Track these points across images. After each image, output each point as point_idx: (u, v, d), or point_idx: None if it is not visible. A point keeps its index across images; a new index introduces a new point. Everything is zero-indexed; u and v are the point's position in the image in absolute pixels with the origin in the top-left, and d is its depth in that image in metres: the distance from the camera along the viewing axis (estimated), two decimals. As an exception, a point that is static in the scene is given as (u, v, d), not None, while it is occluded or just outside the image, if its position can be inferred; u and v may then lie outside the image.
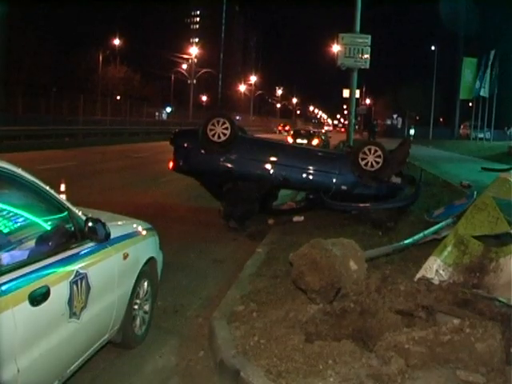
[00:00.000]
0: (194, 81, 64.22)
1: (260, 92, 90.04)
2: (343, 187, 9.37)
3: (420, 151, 29.71)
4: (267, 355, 3.98)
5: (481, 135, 47.15)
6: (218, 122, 9.05)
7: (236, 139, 9.16)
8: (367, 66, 16.67)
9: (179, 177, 10.66)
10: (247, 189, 9.21)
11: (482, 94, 42.88)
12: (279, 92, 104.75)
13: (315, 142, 28.76)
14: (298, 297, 5.04)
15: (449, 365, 3.78)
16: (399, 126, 68.86)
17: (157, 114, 58.27)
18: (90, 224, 3.54)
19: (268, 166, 9.29)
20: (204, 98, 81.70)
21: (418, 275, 4.94)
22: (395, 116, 74.16)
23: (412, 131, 54.77)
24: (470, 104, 49.45)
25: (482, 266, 5.05)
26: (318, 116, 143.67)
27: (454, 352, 3.82)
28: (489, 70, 42.03)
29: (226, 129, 9.04)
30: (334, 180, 9.31)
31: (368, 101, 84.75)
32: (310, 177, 9.39)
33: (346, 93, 43.86)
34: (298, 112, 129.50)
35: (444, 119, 78.06)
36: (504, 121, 47.03)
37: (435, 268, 5.03)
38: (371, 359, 3.84)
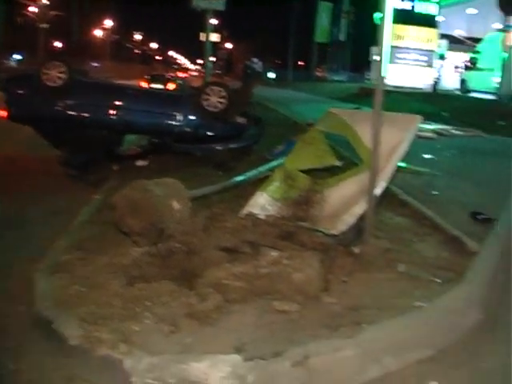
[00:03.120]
0: (46, 25, 59.46)
1: (117, 37, 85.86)
2: (187, 129, 9.15)
3: (277, 93, 30.30)
4: (85, 303, 3.77)
5: (337, 78, 48.97)
6: (54, 65, 8.39)
7: (74, 83, 8.57)
8: (222, 8, 16.24)
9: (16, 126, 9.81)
10: (88, 135, 8.75)
11: (340, 38, 44.29)
12: (138, 37, 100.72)
13: (171, 86, 28.05)
14: (123, 241, 4.85)
15: (267, 297, 3.82)
16: (260, 70, 69.08)
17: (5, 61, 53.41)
18: None
19: (109, 111, 8.79)
20: (59, 45, 76.16)
21: (244, 211, 4.96)
22: (256, 60, 74.35)
23: (272, 75, 55.44)
24: (330, 48, 50.84)
25: (308, 199, 5.17)
26: (180, 62, 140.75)
27: (272, 284, 3.85)
28: (345, 16, 43.36)
29: (62, 73, 8.40)
30: (178, 122, 9.04)
31: (229, 45, 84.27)
32: (153, 120, 9.03)
33: (202, 36, 43.33)
34: (159, 58, 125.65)
35: (306, 63, 79.85)
36: (359, 64, 49.03)
37: (262, 203, 5.08)
38: (190, 297, 3.78)
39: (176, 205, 4.69)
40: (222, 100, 8.94)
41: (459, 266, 4.12)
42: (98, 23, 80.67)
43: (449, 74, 30.02)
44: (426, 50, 27.36)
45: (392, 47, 26.66)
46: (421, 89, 25.21)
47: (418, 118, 5.52)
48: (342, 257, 4.26)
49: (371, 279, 3.93)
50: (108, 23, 79.84)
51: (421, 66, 27.38)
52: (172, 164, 8.90)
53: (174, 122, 8.94)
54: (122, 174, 8.70)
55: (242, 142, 9.32)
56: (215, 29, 19.15)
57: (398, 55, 27.27)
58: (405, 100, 20.17)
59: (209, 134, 9.09)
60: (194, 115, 8.96)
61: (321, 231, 4.44)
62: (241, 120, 9.49)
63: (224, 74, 64.07)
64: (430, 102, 19.05)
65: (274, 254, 4.11)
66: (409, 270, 4.07)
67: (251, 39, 74.72)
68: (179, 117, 9.00)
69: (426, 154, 9.07)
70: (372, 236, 4.64)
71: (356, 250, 4.38)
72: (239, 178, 6.15)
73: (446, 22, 30.78)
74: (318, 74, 60.03)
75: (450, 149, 9.73)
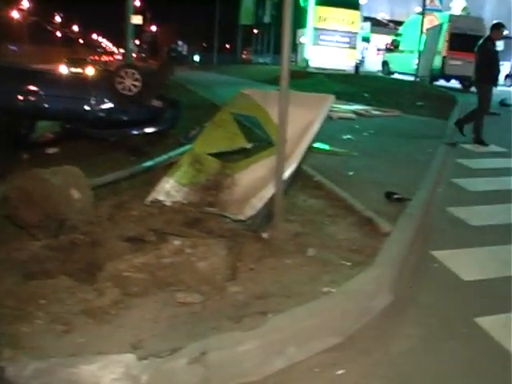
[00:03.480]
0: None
1: (35, 18, 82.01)
2: (100, 114, 8.82)
3: (200, 76, 29.86)
4: (-26, 305, 3.42)
5: (262, 60, 48.90)
6: None
7: None
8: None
9: None
10: None
11: (265, 20, 44.09)
12: (58, 19, 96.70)
13: (90, 70, 27.02)
14: (21, 235, 4.48)
15: (170, 288, 3.60)
16: (185, 53, 68.27)
17: None
18: None
19: (16, 96, 8.28)
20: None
21: (150, 198, 4.68)
22: (180, 43, 73.25)
23: (197, 57, 54.71)
24: (256, 31, 50.58)
25: (217, 183, 4.96)
26: (104, 45, 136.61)
27: (175, 274, 3.64)
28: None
29: None
30: (90, 107, 8.69)
31: (154, 28, 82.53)
32: (64, 105, 8.63)
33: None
34: (82, 41, 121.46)
35: (232, 45, 79.27)
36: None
37: (168, 189, 4.82)
38: (88, 293, 3.50)
39: (75, 194, 4.36)
40: (135, 83, 8.74)
41: (371, 248, 4.04)
42: (14, 3, 76.81)
43: (372, 56, 30.53)
44: (349, 32, 27.60)
45: (315, 29, 26.85)
46: (344, 70, 25.45)
47: (331, 97, 5.42)
48: (251, 243, 4.08)
49: (280, 265, 3.77)
50: (25, 3, 76.18)
51: (343, 47, 27.61)
52: (85, 150, 8.47)
53: (85, 107, 8.59)
54: (31, 162, 8.21)
55: (158, 126, 9.06)
56: (139, 11, 18.50)
57: (322, 37, 27.40)
58: (327, 81, 20.32)
59: (123, 118, 8.80)
60: (107, 99, 8.64)
61: (227, 216, 4.23)
62: (157, 103, 9.29)
63: (149, 57, 62.71)
64: (352, 84, 19.23)
65: (177, 242, 3.88)
66: (319, 254, 3.94)
67: (176, 22, 73.44)
68: (92, 101, 8.69)
69: (344, 134, 9.05)
70: (282, 220, 4.49)
71: (265, 235, 4.21)
72: (148, 164, 5.86)
73: (370, 4, 31.29)
74: (244, 56, 59.82)
75: (368, 129, 9.76)
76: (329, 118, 11.01)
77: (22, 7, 75.76)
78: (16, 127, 8.57)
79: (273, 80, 25.00)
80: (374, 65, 29.32)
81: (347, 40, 27.58)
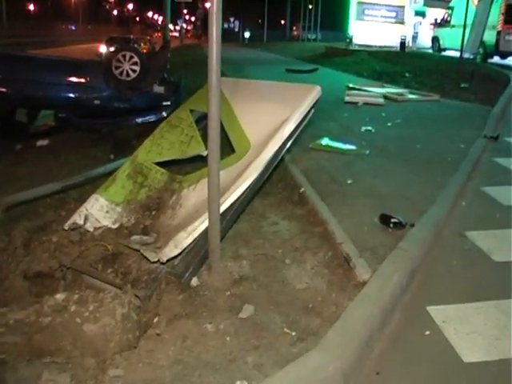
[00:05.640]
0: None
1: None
2: (96, 102, 8.01)
3: (242, 54, 28.69)
4: None
5: (312, 36, 47.46)
6: None
7: None
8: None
9: None
10: None
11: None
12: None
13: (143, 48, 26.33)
14: None
15: (45, 359, 2.64)
16: (236, 30, 67.51)
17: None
18: None
19: (4, 83, 7.59)
20: (31, 7, 72.81)
21: (70, 221, 3.66)
22: (232, 19, 72.23)
23: (247, 34, 53.68)
24: (311, 6, 49.06)
25: (160, 201, 3.89)
26: (159, 23, 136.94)
27: (54, 340, 2.70)
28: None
29: None
30: (85, 94, 7.92)
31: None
32: (56, 92, 7.92)
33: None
34: (138, 19, 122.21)
35: (281, 22, 77.62)
36: (333, 22, 47.21)
37: (95, 210, 3.77)
38: None
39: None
40: (134, 67, 8.02)
41: (334, 306, 2.91)
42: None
43: (426, 31, 28.37)
44: (396, 6, 25.54)
45: (359, 3, 25.08)
46: (390, 47, 23.61)
47: (316, 89, 4.27)
48: (171, 293, 3.03)
49: (196, 332, 2.70)
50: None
51: (390, 22, 25.61)
52: (72, 144, 7.74)
53: (80, 94, 7.83)
54: (11, 157, 7.45)
55: (160, 114, 8.15)
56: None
57: (366, 12, 25.52)
58: (368, 59, 18.79)
59: (120, 106, 7.99)
60: (103, 85, 7.83)
61: (145, 256, 3.15)
62: (157, 89, 8.40)
63: (202, 34, 62.27)
64: (395, 62, 17.58)
65: (60, 296, 2.88)
66: (257, 315, 2.83)
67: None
68: (86, 88, 7.91)
69: (364, 124, 7.75)
70: (228, 257, 3.39)
71: (194, 281, 3.13)
72: (100, 170, 4.84)
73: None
74: (295, 33, 58.28)
75: (395, 118, 8.38)
76: (353, 105, 9.91)
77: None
78: (13, 117, 8.02)
79: (316, 57, 23.70)
80: (427, 41, 27.18)
81: (394, 14, 25.57)
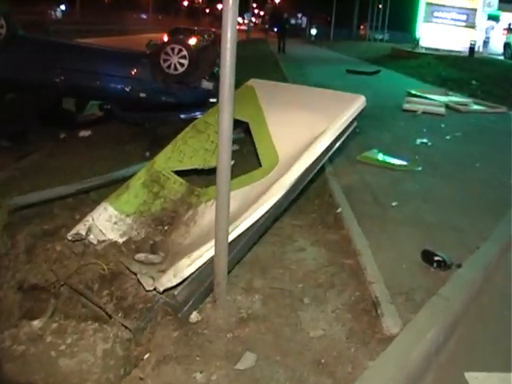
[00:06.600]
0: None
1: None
2: (142, 94, 7.81)
3: (306, 52, 28.18)
4: None
5: (380, 36, 46.33)
6: None
7: (15, 40, 7.33)
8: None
9: None
10: (26, 101, 7.49)
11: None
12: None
13: (193, 40, 26.16)
14: None
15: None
16: (303, 26, 66.81)
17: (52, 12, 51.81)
18: None
19: (52, 72, 7.47)
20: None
21: (73, 231, 3.34)
22: (300, 15, 71.44)
23: (314, 31, 52.94)
24: (380, 6, 47.90)
25: (175, 215, 3.51)
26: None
27: (25, 372, 2.47)
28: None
29: (1, 27, 7.11)
30: (130, 86, 7.72)
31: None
32: (102, 83, 7.84)
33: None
34: (207, 11, 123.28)
35: (348, 20, 76.28)
36: (399, 22, 45.82)
37: (102, 220, 3.43)
38: None
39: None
40: (182, 61, 7.74)
41: (350, 365, 2.44)
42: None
43: (498, 36, 26.86)
44: (467, 9, 24.18)
45: (428, 4, 23.99)
46: (459, 52, 22.44)
47: (360, 99, 3.76)
48: (166, 329, 2.65)
49: (183, 382, 2.29)
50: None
51: (459, 26, 24.30)
52: (111, 136, 7.55)
53: (126, 86, 7.64)
54: (51, 146, 7.34)
55: (205, 111, 7.87)
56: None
57: (436, 14, 24.31)
58: (434, 64, 17.90)
59: (167, 100, 7.72)
60: (150, 79, 7.58)
61: (141, 284, 2.78)
62: (206, 85, 8.11)
63: (270, 29, 62.27)
64: (463, 68, 16.63)
65: (36, 323, 2.58)
66: (257, 367, 2.40)
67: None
68: (134, 80, 7.67)
69: (420, 137, 7.14)
70: (239, 288, 2.98)
71: (194, 316, 2.73)
72: (119, 173, 4.51)
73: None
74: (362, 32, 57.11)
75: (455, 131, 7.72)
76: (411, 113, 9.28)
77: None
78: (50, 106, 7.84)
79: (380, 59, 22.89)
80: (500, 47, 25.71)
81: (464, 18, 24.23)
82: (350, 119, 3.63)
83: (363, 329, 2.70)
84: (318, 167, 3.54)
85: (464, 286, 3.16)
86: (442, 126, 8.14)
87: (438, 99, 10.40)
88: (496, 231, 4.03)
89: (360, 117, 3.70)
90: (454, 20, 24.31)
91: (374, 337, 2.63)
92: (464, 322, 2.94)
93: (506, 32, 23.41)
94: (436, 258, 3.36)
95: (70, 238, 3.34)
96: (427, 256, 3.42)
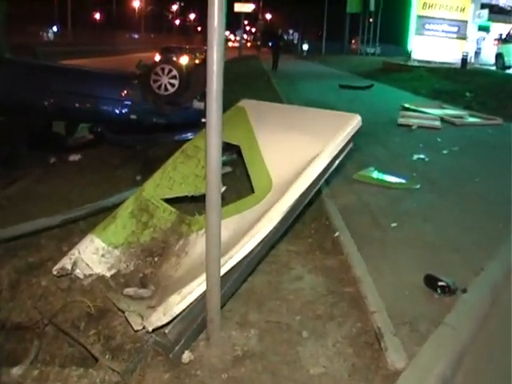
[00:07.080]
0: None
1: (151, 7, 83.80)
2: (132, 116, 7.69)
3: (299, 67, 28.18)
4: None
5: (369, 50, 46.55)
6: None
7: (1, 63, 7.29)
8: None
9: None
10: (15, 124, 7.40)
11: (371, 8, 41.83)
12: (174, 7, 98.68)
13: (185, 59, 26.11)
14: None
15: None
16: (295, 42, 67.30)
17: (43, 33, 51.95)
18: None
19: (39, 95, 7.36)
20: (97, 16, 74.57)
21: (58, 265, 3.18)
22: (291, 31, 72.00)
23: (306, 46, 53.16)
24: (371, 20, 48.24)
25: (165, 245, 3.35)
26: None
27: None
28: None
29: None
30: (121, 108, 7.59)
31: (269, 16, 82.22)
32: (91, 105, 7.66)
33: (237, 7, 41.13)
34: (199, 29, 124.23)
35: (339, 35, 76.89)
36: (389, 35, 46.06)
37: (88, 253, 3.27)
38: None
39: None
40: (173, 81, 7.65)
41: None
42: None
43: (489, 47, 26.94)
44: (458, 21, 24.24)
45: (419, 17, 24.06)
46: (451, 64, 22.42)
47: (355, 118, 3.62)
48: (156, 370, 2.48)
49: None
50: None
51: (451, 38, 24.34)
52: (101, 160, 7.39)
53: (116, 108, 7.52)
54: (39, 172, 7.18)
55: (198, 132, 7.76)
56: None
57: (427, 26, 24.37)
58: (427, 77, 17.87)
59: (158, 121, 7.58)
60: (141, 100, 7.49)
61: (129, 322, 2.61)
62: (197, 105, 8.03)
63: (262, 46, 62.67)
64: (456, 80, 16.59)
65: (17, 370, 2.47)
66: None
67: (290, 10, 72.09)
68: (123, 101, 7.53)
69: (417, 152, 7.03)
70: (233, 323, 2.82)
71: (186, 356, 2.57)
72: (107, 201, 4.34)
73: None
74: (353, 46, 57.37)
75: (452, 144, 7.60)
76: (406, 127, 9.17)
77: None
78: (40, 129, 7.69)
79: (372, 73, 22.88)
80: (491, 57, 25.76)
81: (455, 29, 24.28)
82: (346, 140, 3.49)
83: (366, 364, 2.54)
84: (314, 191, 3.39)
85: (470, 312, 3.01)
86: (439, 140, 8.03)
87: (432, 112, 10.32)
88: (501, 250, 3.88)
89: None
90: (446, 32, 24.39)
91: (378, 373, 2.47)
92: (471, 352, 2.78)
93: (497, 42, 23.45)
94: (440, 284, 3.21)
95: (55, 272, 3.18)
96: (430, 281, 3.27)
